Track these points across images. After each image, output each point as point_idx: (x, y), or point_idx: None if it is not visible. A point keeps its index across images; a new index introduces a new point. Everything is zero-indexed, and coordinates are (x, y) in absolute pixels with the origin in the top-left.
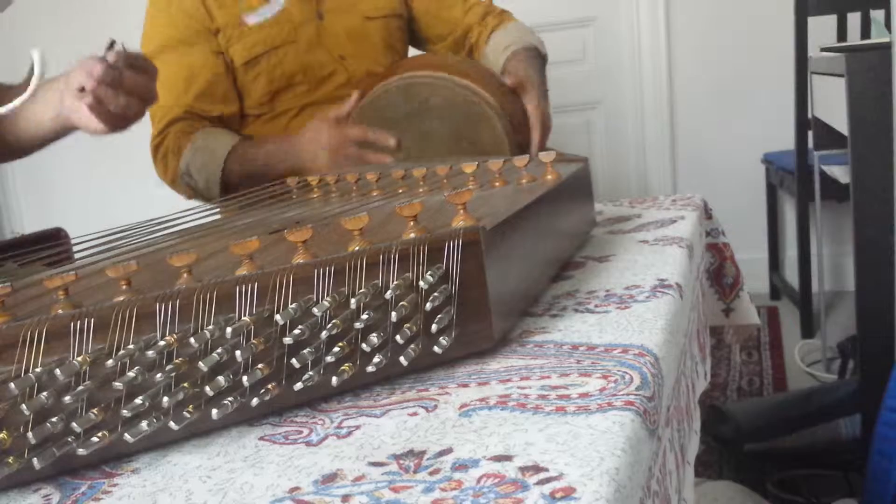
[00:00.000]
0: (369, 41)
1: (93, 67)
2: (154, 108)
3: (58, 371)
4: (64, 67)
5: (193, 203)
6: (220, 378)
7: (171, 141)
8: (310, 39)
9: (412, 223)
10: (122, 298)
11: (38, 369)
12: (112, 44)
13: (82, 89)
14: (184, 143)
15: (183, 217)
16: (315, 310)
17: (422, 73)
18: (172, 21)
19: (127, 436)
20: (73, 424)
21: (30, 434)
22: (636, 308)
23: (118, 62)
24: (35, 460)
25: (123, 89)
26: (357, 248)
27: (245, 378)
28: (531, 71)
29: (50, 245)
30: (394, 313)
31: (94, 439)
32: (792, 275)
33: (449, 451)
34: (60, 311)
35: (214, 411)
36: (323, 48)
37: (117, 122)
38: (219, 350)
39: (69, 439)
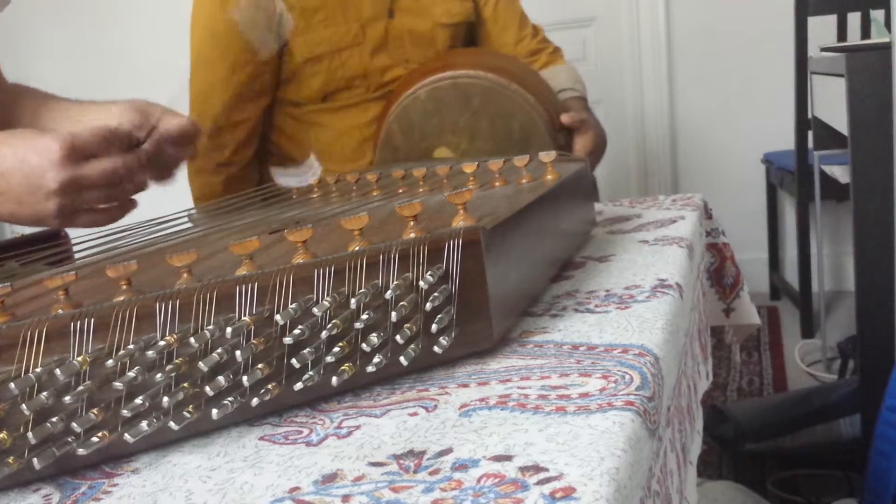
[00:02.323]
0: (434, 47)
1: (123, 156)
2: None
3: (58, 371)
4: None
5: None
6: (220, 378)
7: None
8: (376, 41)
9: (412, 223)
10: (122, 298)
11: (38, 369)
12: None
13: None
14: None
15: (183, 217)
16: (315, 310)
17: (488, 76)
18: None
19: (127, 436)
20: (73, 424)
21: (30, 434)
22: (636, 308)
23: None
24: (35, 460)
25: (155, 165)
26: (357, 248)
27: (245, 378)
28: (594, 122)
29: (50, 245)
30: (394, 313)
31: (94, 439)
32: (792, 275)
33: (449, 451)
34: (60, 311)
35: (214, 411)
36: (387, 52)
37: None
38: (219, 350)
39: (69, 439)
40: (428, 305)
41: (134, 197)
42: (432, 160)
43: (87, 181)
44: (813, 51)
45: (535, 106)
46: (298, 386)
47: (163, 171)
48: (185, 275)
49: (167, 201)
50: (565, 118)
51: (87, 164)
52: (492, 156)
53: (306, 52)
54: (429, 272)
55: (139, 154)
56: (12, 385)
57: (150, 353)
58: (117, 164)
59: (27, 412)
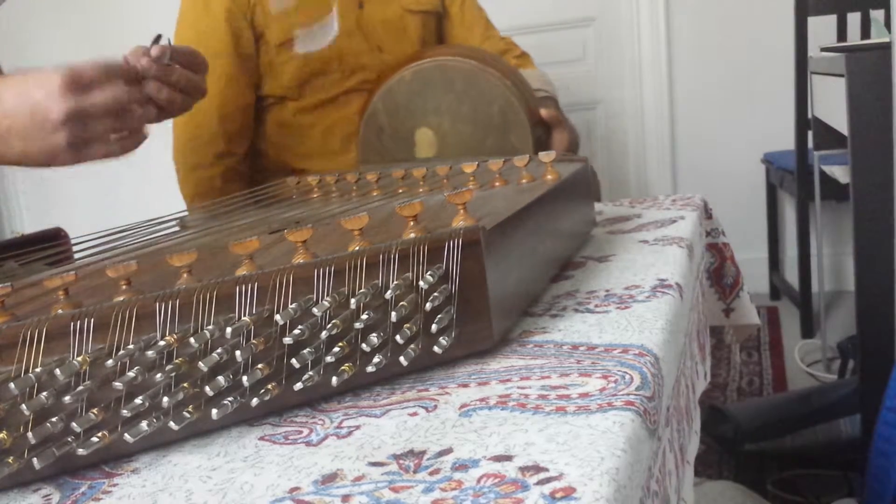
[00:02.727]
0: (406, 35)
1: (138, 61)
2: None
3: (58, 371)
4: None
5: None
6: (220, 378)
7: None
8: (349, 27)
9: (412, 223)
10: (122, 298)
11: (38, 369)
12: (158, 38)
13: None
14: None
15: (183, 217)
16: (315, 310)
17: (470, 62)
18: (204, 24)
19: (127, 436)
20: (73, 424)
21: (30, 434)
22: (636, 308)
23: (163, 57)
24: (35, 460)
25: (168, 84)
26: (357, 248)
27: (245, 378)
28: (566, 120)
29: (50, 245)
30: (394, 313)
31: (94, 439)
32: (792, 275)
33: (449, 451)
34: (60, 311)
35: (214, 411)
36: (361, 36)
37: (159, 114)
38: (219, 350)
39: (69, 439)
40: (428, 305)
41: (145, 130)
42: (431, 160)
43: (93, 109)
44: (813, 51)
45: (514, 90)
46: (298, 386)
47: (182, 96)
48: (185, 275)
49: (167, 201)
50: (544, 112)
51: (90, 94)
52: (471, 137)
53: (280, 36)
54: (429, 272)
55: (142, 86)
56: (12, 385)
57: (150, 353)
58: (119, 92)
59: (27, 412)
